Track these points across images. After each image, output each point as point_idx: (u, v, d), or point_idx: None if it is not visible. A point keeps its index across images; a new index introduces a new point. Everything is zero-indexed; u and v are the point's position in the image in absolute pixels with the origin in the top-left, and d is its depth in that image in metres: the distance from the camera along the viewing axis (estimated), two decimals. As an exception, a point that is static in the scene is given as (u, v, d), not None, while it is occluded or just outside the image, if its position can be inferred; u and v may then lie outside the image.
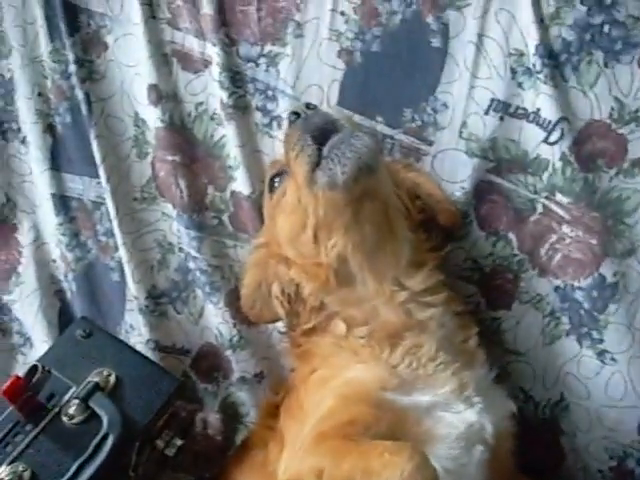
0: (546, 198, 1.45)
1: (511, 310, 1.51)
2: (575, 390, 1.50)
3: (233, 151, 1.59)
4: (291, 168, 1.26)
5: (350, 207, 1.22)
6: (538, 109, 1.41)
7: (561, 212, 1.44)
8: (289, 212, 1.28)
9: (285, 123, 1.51)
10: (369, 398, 1.20)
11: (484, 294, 1.52)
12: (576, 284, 1.45)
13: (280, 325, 1.59)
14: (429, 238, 1.39)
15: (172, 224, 1.66)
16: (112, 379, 1.37)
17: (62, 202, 1.71)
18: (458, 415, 1.24)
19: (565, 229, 1.45)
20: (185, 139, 1.62)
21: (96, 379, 1.35)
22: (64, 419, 1.30)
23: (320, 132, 1.21)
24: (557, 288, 1.47)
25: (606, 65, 1.38)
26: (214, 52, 1.56)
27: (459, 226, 1.47)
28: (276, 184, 1.33)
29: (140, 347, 1.65)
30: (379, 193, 1.26)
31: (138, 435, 1.31)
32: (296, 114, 1.25)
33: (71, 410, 1.30)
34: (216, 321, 1.66)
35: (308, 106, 1.26)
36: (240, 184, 1.60)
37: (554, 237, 1.46)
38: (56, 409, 1.32)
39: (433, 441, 1.21)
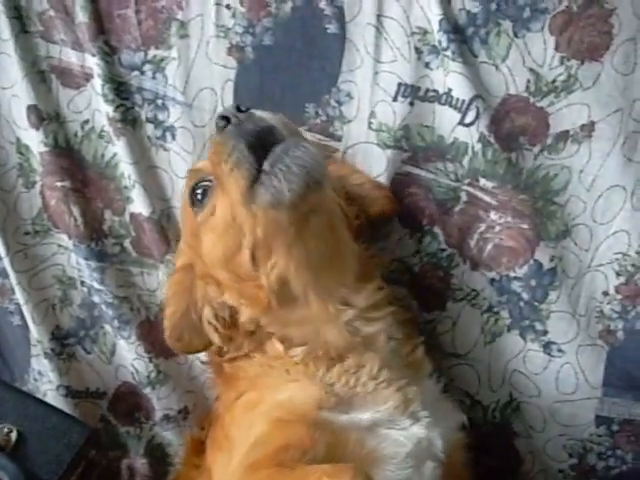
0: (469, 185, 1.36)
1: (446, 310, 1.43)
2: (524, 388, 1.43)
3: (127, 169, 1.49)
4: (222, 181, 1.12)
5: (294, 225, 1.10)
6: (449, 89, 1.33)
7: (487, 198, 1.36)
8: (221, 232, 1.14)
9: (208, 129, 1.43)
10: (304, 419, 1.10)
11: (415, 296, 1.44)
12: (512, 274, 1.37)
13: (200, 354, 1.48)
14: (368, 246, 1.30)
15: (70, 256, 1.57)
16: (13, 436, 1.29)
17: (-53, 244, 1.58)
18: (404, 432, 1.16)
19: (493, 216, 1.36)
20: (73, 162, 1.52)
21: (-6, 438, 1.28)
22: (-40, 487, 1.23)
23: (257, 141, 1.08)
24: (492, 281, 1.39)
25: (516, 35, 1.29)
26: (94, 63, 1.45)
27: (396, 212, 1.39)
28: (198, 196, 1.18)
29: (51, 395, 1.60)
30: (325, 207, 1.15)
31: (47, 495, 1.25)
32: (225, 119, 1.10)
33: (-32, 476, 1.23)
34: (130, 357, 1.57)
35: (239, 108, 1.11)
36: (138, 205, 1.50)
37: (482, 226, 1.38)
38: (-49, 476, 1.24)
39: (379, 462, 1.13)
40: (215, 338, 1.24)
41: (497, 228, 1.37)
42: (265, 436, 1.11)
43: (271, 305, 1.17)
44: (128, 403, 1.62)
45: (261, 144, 1.08)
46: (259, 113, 1.11)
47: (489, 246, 1.38)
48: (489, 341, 1.42)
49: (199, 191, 1.18)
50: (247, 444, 1.11)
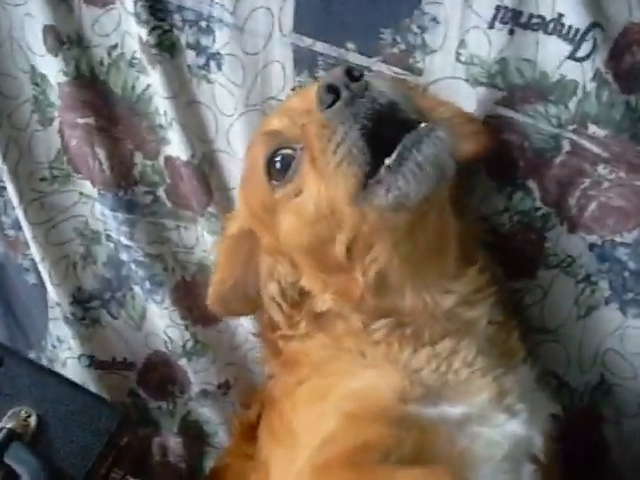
0: (574, 132, 1.20)
1: (536, 278, 1.31)
2: (618, 369, 1.31)
3: (162, 105, 1.37)
4: (317, 162, 0.99)
5: (409, 224, 1.01)
6: (560, 15, 1.15)
7: (596, 149, 1.20)
8: (310, 220, 1.04)
9: (261, 57, 1.30)
10: (386, 414, 1.00)
11: (501, 261, 1.30)
12: (618, 239, 1.24)
13: (245, 321, 1.44)
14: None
15: (94, 207, 1.48)
16: (33, 421, 1.19)
17: (-47, 193, 1.51)
18: (499, 429, 1.05)
19: (601, 170, 1.21)
20: (98, 95, 1.41)
21: (10, 424, 1.17)
22: (-28, 484, 1.12)
23: (375, 126, 0.94)
24: (593, 246, 1.26)
25: (648, -58, 1.15)
26: (124, -26, 1.31)
27: (492, 150, 1.24)
28: (277, 165, 1.07)
29: (72, 364, 1.53)
30: (441, 200, 1.05)
31: (74, 491, 1.15)
32: (334, 90, 0.95)
33: (-20, 471, 1.11)
34: (163, 324, 1.49)
35: (351, 75, 0.95)
36: (176, 147, 1.38)
37: (587, 182, 1.23)
38: (-40, 471, 1.12)
39: (472, 465, 1.02)
40: (278, 316, 1.17)
41: (605, 184, 1.22)
42: (338, 433, 1.00)
43: (365, 300, 1.08)
44: (160, 375, 1.55)
45: (379, 128, 0.94)
46: (376, 83, 0.96)
47: (592, 205, 1.24)
48: (583, 315, 1.30)
49: (278, 159, 1.06)
50: (315, 441, 1.00)
